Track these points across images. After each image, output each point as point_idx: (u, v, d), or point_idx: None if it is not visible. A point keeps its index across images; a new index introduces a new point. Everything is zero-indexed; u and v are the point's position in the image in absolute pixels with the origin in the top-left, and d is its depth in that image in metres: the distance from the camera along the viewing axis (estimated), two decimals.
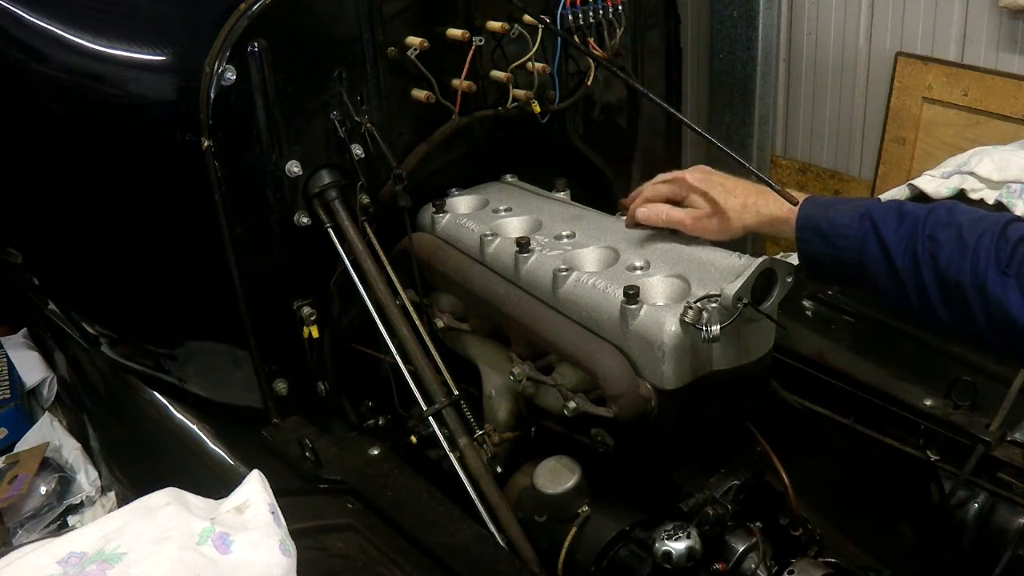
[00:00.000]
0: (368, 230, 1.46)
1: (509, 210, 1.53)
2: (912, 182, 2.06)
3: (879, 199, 1.22)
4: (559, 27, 1.59)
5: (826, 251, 1.19)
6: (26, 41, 1.55)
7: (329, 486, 1.34)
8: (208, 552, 0.87)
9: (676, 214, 1.33)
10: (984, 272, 1.05)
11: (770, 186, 1.24)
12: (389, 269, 1.46)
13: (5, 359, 2.44)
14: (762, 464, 1.35)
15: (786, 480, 1.32)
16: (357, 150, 1.43)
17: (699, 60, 3.52)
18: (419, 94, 1.47)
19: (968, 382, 1.40)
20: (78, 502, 2.21)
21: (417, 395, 1.37)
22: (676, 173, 1.37)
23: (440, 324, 1.54)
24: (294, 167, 1.39)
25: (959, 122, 2.84)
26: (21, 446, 2.32)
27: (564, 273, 1.31)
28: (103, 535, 0.88)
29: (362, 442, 1.44)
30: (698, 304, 1.15)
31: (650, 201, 1.38)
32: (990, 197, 1.92)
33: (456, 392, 1.38)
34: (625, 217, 1.45)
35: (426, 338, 1.42)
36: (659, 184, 1.38)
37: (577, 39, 1.63)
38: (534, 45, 1.55)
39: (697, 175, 1.33)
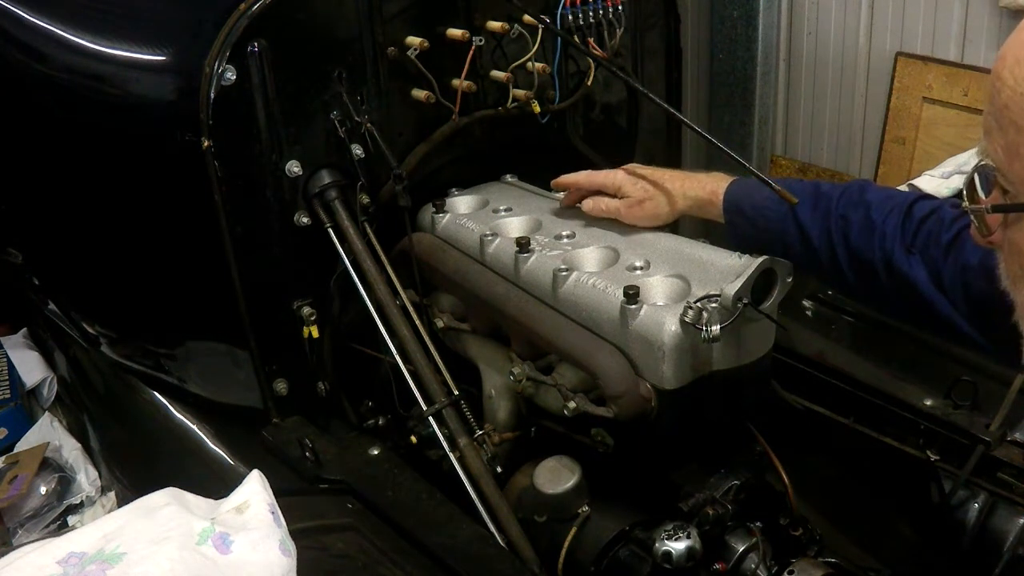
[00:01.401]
0: (368, 230, 1.46)
1: (509, 210, 1.53)
2: (912, 182, 2.07)
3: (802, 180, 1.27)
4: (559, 27, 1.59)
5: (750, 231, 1.26)
6: (26, 41, 1.55)
7: (329, 486, 1.34)
8: (208, 552, 0.87)
9: (612, 204, 1.41)
10: (891, 250, 1.12)
11: (769, 186, 1.24)
12: (389, 269, 1.46)
13: (5, 359, 2.44)
14: (762, 464, 1.35)
15: (786, 480, 1.32)
16: (357, 150, 1.43)
17: (699, 60, 3.52)
18: (419, 94, 1.47)
19: (968, 382, 1.40)
20: (78, 502, 2.21)
21: (417, 395, 1.37)
22: (609, 170, 1.45)
23: (440, 324, 1.54)
24: (294, 167, 1.39)
25: (959, 122, 2.84)
26: (21, 446, 2.32)
27: (564, 273, 1.31)
28: (103, 535, 0.88)
29: (362, 442, 1.44)
30: (698, 304, 1.15)
31: (581, 187, 1.47)
32: None
33: (456, 392, 1.38)
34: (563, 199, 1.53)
35: (426, 338, 1.42)
36: (595, 174, 1.46)
37: (577, 39, 1.63)
38: (534, 45, 1.55)
39: (628, 168, 1.42)
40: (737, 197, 1.28)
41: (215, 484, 1.11)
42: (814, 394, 1.52)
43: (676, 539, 1.20)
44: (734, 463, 1.33)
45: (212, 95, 1.29)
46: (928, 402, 1.43)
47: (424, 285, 1.53)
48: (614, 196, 1.41)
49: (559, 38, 1.60)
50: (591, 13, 1.64)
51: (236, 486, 1.00)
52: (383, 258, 1.46)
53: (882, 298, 1.17)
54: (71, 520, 2.19)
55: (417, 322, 1.44)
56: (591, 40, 1.65)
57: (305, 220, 1.43)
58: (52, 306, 1.96)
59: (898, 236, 1.12)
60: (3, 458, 2.27)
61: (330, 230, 1.42)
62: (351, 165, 1.44)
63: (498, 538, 1.24)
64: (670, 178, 1.37)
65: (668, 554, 1.19)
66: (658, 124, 1.96)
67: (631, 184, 1.39)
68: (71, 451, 2.28)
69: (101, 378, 1.96)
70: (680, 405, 1.23)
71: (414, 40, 1.44)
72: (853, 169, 3.26)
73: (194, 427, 1.61)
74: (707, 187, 1.32)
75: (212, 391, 1.62)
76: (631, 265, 1.30)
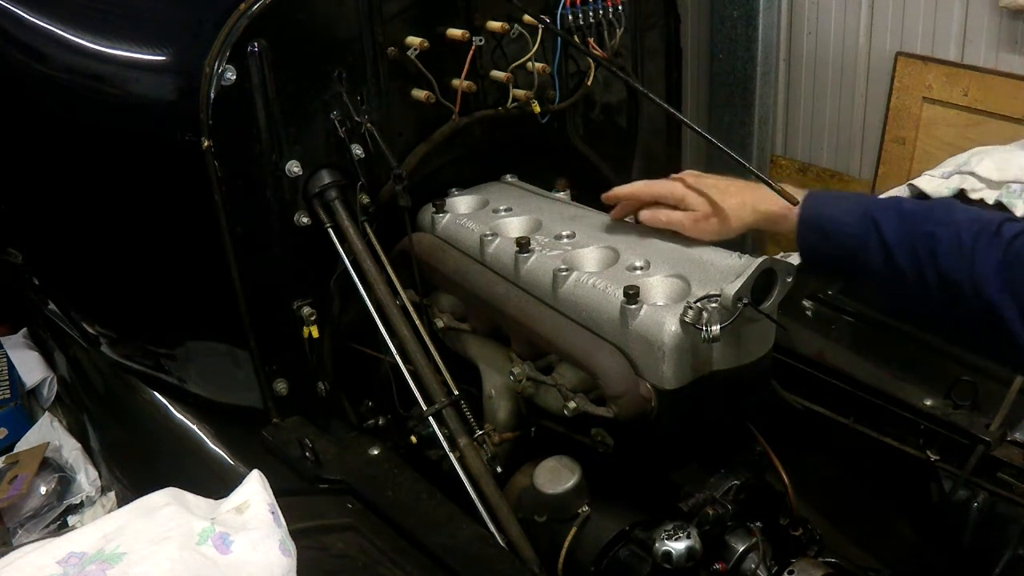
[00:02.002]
0: (368, 230, 1.46)
1: (509, 210, 1.53)
2: (912, 182, 2.06)
3: (878, 196, 1.23)
4: (559, 27, 1.59)
5: (826, 248, 1.20)
6: (26, 41, 1.55)
7: (329, 486, 1.34)
8: (208, 552, 0.87)
9: (675, 216, 1.34)
10: (980, 270, 1.07)
11: (769, 186, 1.24)
12: (389, 269, 1.46)
13: (5, 359, 2.44)
14: (762, 464, 1.35)
15: (786, 480, 1.32)
16: (357, 150, 1.43)
17: (699, 60, 3.53)
18: (419, 94, 1.47)
19: (968, 382, 1.40)
20: (78, 502, 2.21)
21: (417, 395, 1.37)
22: (667, 178, 1.38)
23: (440, 324, 1.54)
24: (294, 167, 1.39)
25: (959, 122, 2.84)
26: (21, 446, 2.32)
27: (564, 273, 1.31)
28: (103, 535, 0.88)
29: (362, 442, 1.44)
30: (698, 304, 1.15)
31: (637, 198, 1.40)
32: (990, 197, 1.92)
33: (456, 392, 1.38)
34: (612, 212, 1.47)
35: (426, 338, 1.42)
36: (652, 184, 1.39)
37: (577, 39, 1.63)
38: (534, 45, 1.55)
39: (690, 179, 1.35)
40: (814, 211, 1.22)
41: (215, 484, 1.11)
42: (814, 394, 1.52)
43: (676, 539, 1.20)
44: (734, 463, 1.33)
45: (212, 95, 1.29)
46: (928, 402, 1.43)
47: (424, 285, 1.53)
48: (674, 207, 1.35)
49: (559, 38, 1.60)
50: (591, 13, 1.64)
51: (236, 486, 1.00)
52: (383, 258, 1.46)
53: (964, 322, 1.12)
54: (71, 520, 2.19)
55: (417, 322, 1.44)
56: (591, 40, 1.65)
57: (305, 220, 1.43)
58: (52, 306, 1.96)
59: (989, 255, 1.08)
60: (3, 458, 2.27)
61: (330, 230, 1.42)
62: (351, 165, 1.44)
63: (498, 538, 1.24)
64: (736, 190, 1.30)
65: (668, 554, 1.19)
66: (658, 124, 1.96)
67: (696, 196, 1.31)
68: (71, 451, 2.28)
69: (101, 378, 1.96)
70: (680, 405, 1.22)
71: (414, 40, 1.44)
72: (853, 169, 3.26)
73: (194, 427, 1.61)
74: (779, 200, 1.26)
75: (212, 391, 1.62)
76: (631, 265, 1.30)
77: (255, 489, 0.99)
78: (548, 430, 1.43)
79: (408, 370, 1.39)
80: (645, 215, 1.38)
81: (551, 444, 1.38)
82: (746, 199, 1.29)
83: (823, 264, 1.22)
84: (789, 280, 1.23)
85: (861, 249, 1.16)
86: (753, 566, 1.25)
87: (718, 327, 1.13)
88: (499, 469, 1.37)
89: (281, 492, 1.01)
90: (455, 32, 1.49)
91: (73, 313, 1.89)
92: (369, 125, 1.42)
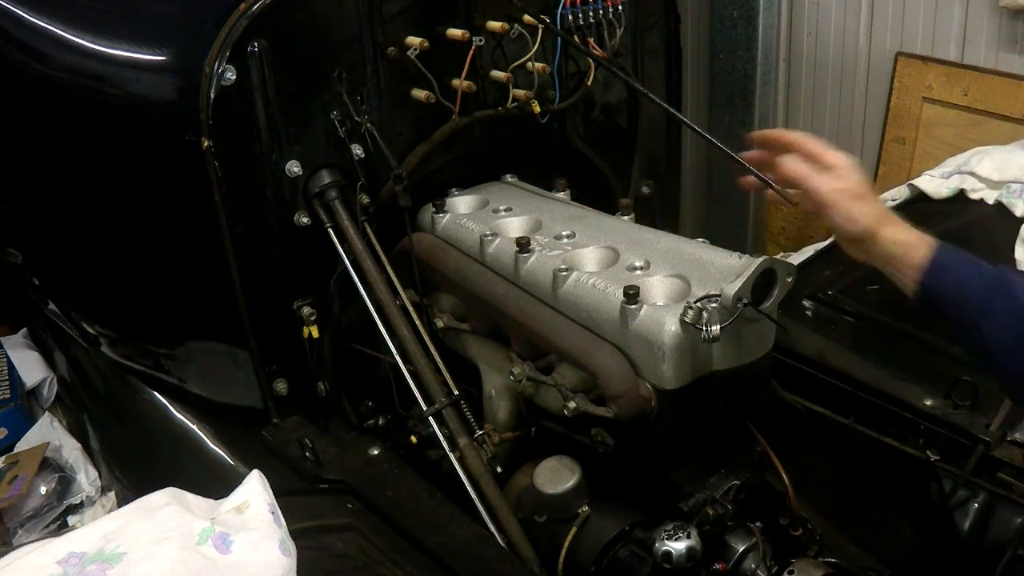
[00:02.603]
0: (368, 230, 1.46)
1: (509, 210, 1.53)
2: (912, 182, 2.07)
3: (1006, 268, 1.11)
4: (559, 27, 1.59)
5: (946, 307, 1.09)
6: (26, 41, 1.55)
7: (329, 486, 1.34)
8: (208, 552, 0.87)
9: (819, 179, 1.14)
10: None
11: (769, 185, 1.24)
12: (389, 269, 1.46)
13: (5, 359, 2.44)
14: (762, 464, 1.35)
15: (786, 480, 1.32)
16: (357, 150, 1.43)
17: (699, 60, 3.52)
18: (419, 94, 1.47)
19: (968, 382, 1.40)
20: (78, 502, 2.21)
21: (417, 395, 1.37)
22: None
23: (440, 324, 1.54)
24: (294, 167, 1.39)
25: (959, 122, 2.84)
26: (21, 446, 2.32)
27: (564, 273, 1.31)
28: (103, 535, 0.88)
29: (362, 442, 1.44)
30: (698, 304, 1.15)
31: (780, 141, 1.25)
32: (990, 197, 1.93)
33: (456, 392, 1.38)
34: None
35: (426, 338, 1.42)
36: (807, 140, 1.22)
37: (577, 39, 1.63)
38: (534, 45, 1.55)
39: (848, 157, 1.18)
40: (940, 264, 1.08)
41: (215, 484, 1.11)
42: (814, 394, 1.52)
43: (676, 539, 1.20)
44: (734, 463, 1.33)
45: (212, 95, 1.29)
46: (928, 402, 1.43)
47: (424, 285, 1.53)
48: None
49: (559, 38, 1.60)
50: (591, 13, 1.64)
51: (236, 486, 1.00)
52: (383, 258, 1.46)
53: None
54: (71, 520, 2.19)
55: (417, 322, 1.44)
56: (591, 40, 1.65)
57: (305, 220, 1.43)
58: (52, 306, 1.96)
59: None
60: (3, 458, 2.27)
61: (330, 230, 1.42)
62: (351, 165, 1.44)
63: (498, 538, 1.24)
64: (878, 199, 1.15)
65: (668, 554, 1.19)
66: (658, 124, 1.96)
67: (850, 172, 1.14)
68: (71, 451, 2.28)
69: (101, 378, 1.96)
70: (680, 405, 1.22)
71: (414, 40, 1.44)
72: None
73: (194, 427, 1.61)
74: (907, 237, 1.10)
75: (212, 391, 1.62)
76: (631, 265, 1.30)
77: (255, 489, 0.99)
78: (548, 430, 1.43)
79: (408, 370, 1.39)
80: (790, 166, 1.19)
81: (551, 444, 1.38)
82: (887, 212, 1.14)
83: (937, 312, 1.10)
84: (789, 280, 1.23)
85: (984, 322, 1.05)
86: (753, 566, 1.25)
87: (718, 327, 1.13)
88: (499, 469, 1.37)
89: (281, 492, 1.01)
90: (455, 32, 1.49)
91: (73, 313, 1.89)
92: (369, 125, 1.42)
